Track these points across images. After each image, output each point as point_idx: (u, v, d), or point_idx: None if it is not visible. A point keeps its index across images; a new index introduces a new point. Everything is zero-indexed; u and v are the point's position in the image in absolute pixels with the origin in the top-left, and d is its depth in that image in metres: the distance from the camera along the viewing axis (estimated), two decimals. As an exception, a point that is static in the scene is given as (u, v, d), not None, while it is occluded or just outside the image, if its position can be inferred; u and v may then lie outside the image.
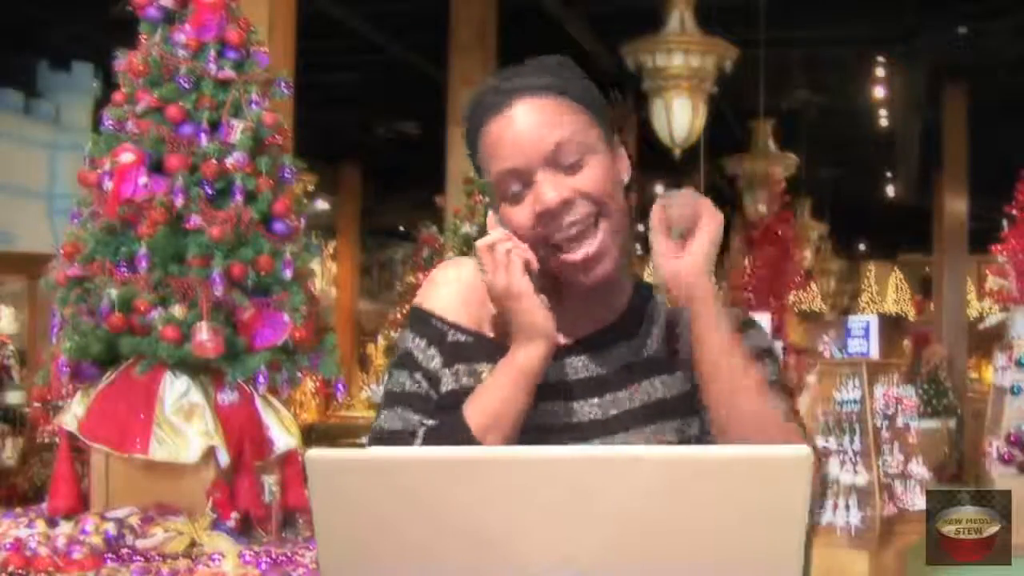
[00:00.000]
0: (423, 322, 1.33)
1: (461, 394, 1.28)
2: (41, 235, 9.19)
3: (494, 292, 1.24)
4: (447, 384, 1.30)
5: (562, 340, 1.30)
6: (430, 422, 1.28)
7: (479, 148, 1.28)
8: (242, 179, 3.59)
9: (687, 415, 1.29)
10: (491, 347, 1.30)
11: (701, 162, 10.69)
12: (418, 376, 1.31)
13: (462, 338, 1.31)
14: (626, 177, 1.30)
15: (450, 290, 1.33)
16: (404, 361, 1.33)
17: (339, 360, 3.90)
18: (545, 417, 1.28)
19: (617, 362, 1.31)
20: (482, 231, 7.77)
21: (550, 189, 1.22)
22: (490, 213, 1.29)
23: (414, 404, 1.30)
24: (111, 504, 3.48)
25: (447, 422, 1.25)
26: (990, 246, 9.66)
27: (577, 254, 1.24)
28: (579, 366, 1.31)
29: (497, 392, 1.23)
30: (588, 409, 1.29)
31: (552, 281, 1.29)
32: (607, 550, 0.93)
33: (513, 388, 1.23)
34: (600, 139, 1.27)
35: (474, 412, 1.23)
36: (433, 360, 1.31)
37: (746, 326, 1.34)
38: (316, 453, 0.97)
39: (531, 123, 1.23)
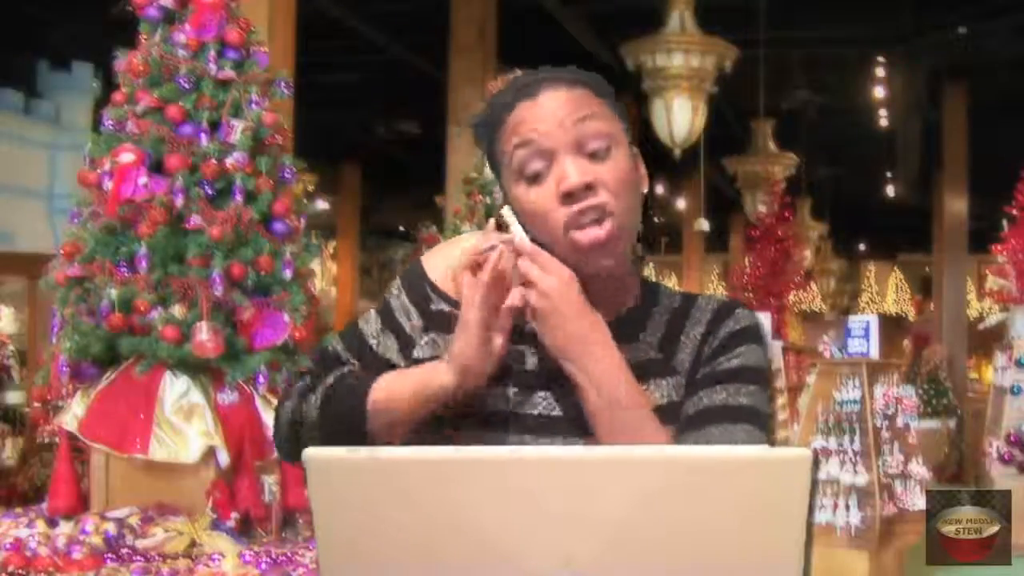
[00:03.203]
0: (415, 281, 1.35)
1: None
2: (41, 235, 9.19)
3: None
4: (420, 351, 1.32)
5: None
6: (346, 369, 1.32)
7: (501, 129, 1.28)
8: (242, 179, 3.60)
9: (677, 422, 1.28)
10: None
11: (701, 162, 10.71)
12: (387, 332, 1.34)
13: (446, 308, 1.31)
14: (644, 187, 1.31)
15: (451, 260, 1.33)
16: (381, 312, 1.37)
17: (339, 360, 3.90)
18: (525, 407, 1.27)
19: None
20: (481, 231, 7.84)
21: (574, 171, 1.23)
22: (505, 208, 1.29)
23: (360, 348, 1.34)
24: (111, 504, 3.48)
25: (355, 383, 1.28)
26: (990, 246, 9.64)
27: (585, 237, 1.24)
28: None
29: (408, 391, 1.25)
30: (572, 405, 1.27)
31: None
32: (607, 550, 0.93)
33: (417, 401, 1.24)
34: (624, 136, 1.29)
35: (379, 393, 1.25)
36: (411, 319, 1.33)
37: (747, 335, 1.32)
38: (316, 453, 0.97)
39: (559, 106, 1.25)
